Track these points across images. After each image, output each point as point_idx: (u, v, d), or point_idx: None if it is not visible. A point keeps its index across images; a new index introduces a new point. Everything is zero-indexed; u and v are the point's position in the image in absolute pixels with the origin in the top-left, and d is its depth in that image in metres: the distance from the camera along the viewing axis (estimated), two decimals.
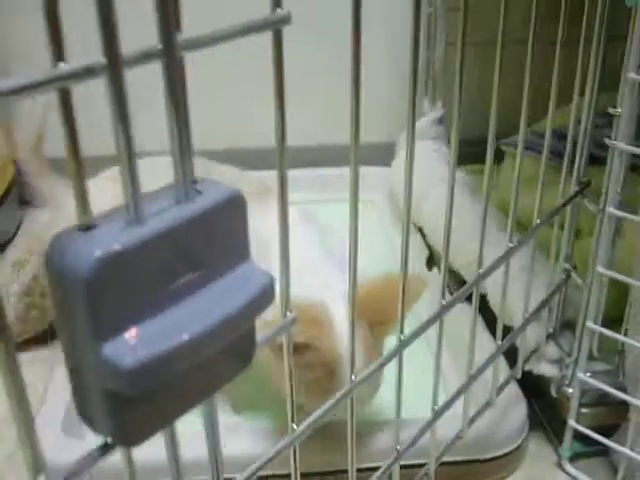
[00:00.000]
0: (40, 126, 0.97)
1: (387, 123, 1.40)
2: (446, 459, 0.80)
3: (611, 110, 0.67)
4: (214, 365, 0.33)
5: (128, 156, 0.28)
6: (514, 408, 0.84)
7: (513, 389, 0.86)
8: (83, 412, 0.31)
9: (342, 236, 0.47)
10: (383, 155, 1.36)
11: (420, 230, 1.17)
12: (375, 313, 0.67)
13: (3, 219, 1.29)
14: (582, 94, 0.71)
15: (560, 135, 0.78)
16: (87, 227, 0.28)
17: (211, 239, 0.31)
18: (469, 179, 1.22)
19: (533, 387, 0.89)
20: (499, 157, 1.32)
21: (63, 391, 0.87)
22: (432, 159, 1.26)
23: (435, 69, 1.31)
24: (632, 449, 0.76)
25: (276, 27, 0.34)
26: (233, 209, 0.32)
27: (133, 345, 0.29)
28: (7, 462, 0.87)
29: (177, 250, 0.30)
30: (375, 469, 0.58)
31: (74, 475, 0.32)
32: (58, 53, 0.26)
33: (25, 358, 1.04)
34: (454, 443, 0.69)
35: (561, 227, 0.79)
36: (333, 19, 1.34)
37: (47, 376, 0.97)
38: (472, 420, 0.69)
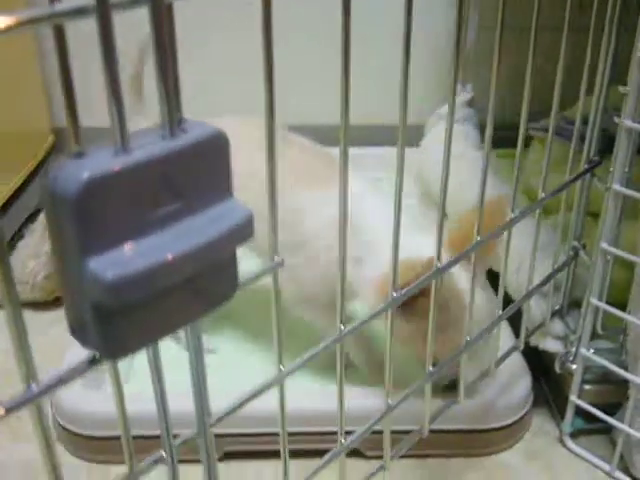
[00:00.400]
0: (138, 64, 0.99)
1: (415, 105, 1.42)
2: (449, 427, 0.83)
3: (621, 88, 0.68)
4: (196, 292, 0.36)
5: (113, 91, 0.31)
6: (518, 381, 0.86)
7: (519, 363, 0.88)
8: (74, 327, 0.35)
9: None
10: (413, 136, 1.38)
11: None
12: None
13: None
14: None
15: (586, 121, 0.78)
16: (79, 155, 0.32)
17: (194, 173, 0.34)
18: (496, 162, 1.23)
19: (541, 364, 0.91)
20: (526, 142, 1.33)
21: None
22: (460, 141, 1.28)
23: (466, 52, 1.32)
24: (630, 425, 0.78)
25: None
26: (216, 147, 0.35)
27: (115, 261, 0.32)
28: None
29: (161, 180, 0.33)
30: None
31: (62, 382, 0.35)
32: None
33: (54, 316, 1.09)
34: (448, 407, 0.71)
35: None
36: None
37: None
38: (469, 388, 0.71)
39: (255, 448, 0.83)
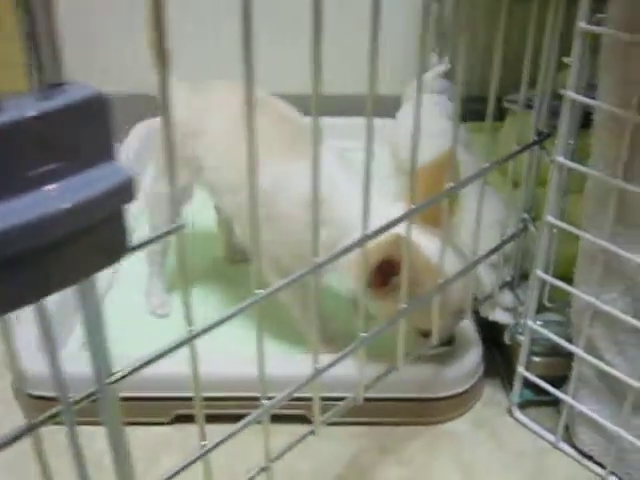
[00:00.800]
0: None
1: (393, 75, 1.41)
2: (398, 395, 0.85)
3: (565, 59, 0.68)
4: (79, 253, 0.37)
5: None
6: (469, 351, 0.87)
7: (471, 333, 0.89)
8: None
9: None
10: (389, 107, 1.37)
11: None
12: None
13: None
14: None
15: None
16: None
17: (71, 134, 0.35)
18: (467, 136, 1.23)
19: (495, 335, 0.92)
20: (501, 115, 1.33)
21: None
22: (434, 113, 1.27)
23: (445, 24, 1.32)
24: (574, 398, 0.79)
25: None
26: (96, 109, 0.35)
27: None
28: None
29: (37, 140, 0.33)
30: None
31: None
32: None
33: None
34: (386, 375, 0.72)
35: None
36: None
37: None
38: (408, 355, 0.72)
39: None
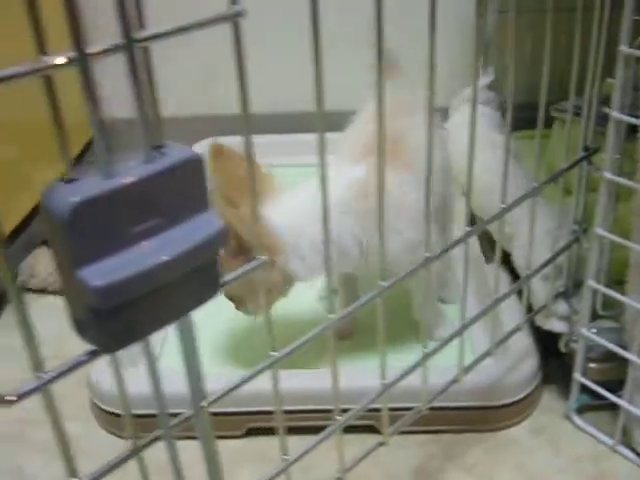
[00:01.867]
0: None
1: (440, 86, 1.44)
2: (456, 404, 0.88)
3: (609, 80, 0.71)
4: (181, 292, 0.42)
5: (99, 124, 0.36)
6: (526, 359, 0.90)
7: (526, 342, 0.92)
8: (75, 325, 0.41)
9: None
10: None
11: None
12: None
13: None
14: None
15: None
16: (70, 180, 0.37)
17: (172, 192, 0.40)
18: (516, 144, 1.26)
19: (550, 344, 0.95)
20: (549, 123, 1.35)
21: None
22: (480, 123, 1.30)
23: (487, 36, 1.34)
24: (630, 402, 0.81)
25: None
26: (192, 168, 0.40)
27: (102, 271, 0.37)
28: None
29: (141, 199, 0.38)
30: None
31: (64, 373, 0.41)
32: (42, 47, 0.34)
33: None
34: (449, 387, 0.75)
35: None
36: None
37: None
38: (469, 367, 0.76)
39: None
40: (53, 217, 0.36)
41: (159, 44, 0.38)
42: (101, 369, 0.93)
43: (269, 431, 0.89)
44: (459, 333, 0.71)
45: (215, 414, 0.86)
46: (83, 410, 0.96)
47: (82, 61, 0.35)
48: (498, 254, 0.73)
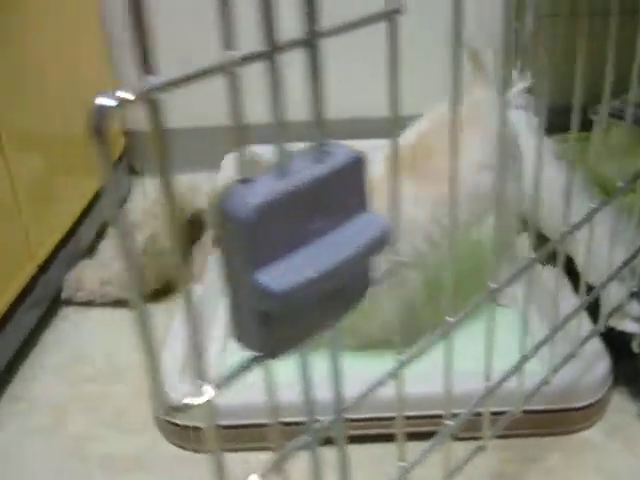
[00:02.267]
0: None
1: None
2: (531, 408, 0.87)
3: None
4: (339, 294, 0.41)
5: (281, 125, 0.35)
6: (598, 362, 0.89)
7: (597, 345, 0.91)
8: (237, 332, 0.39)
9: None
10: None
11: None
12: None
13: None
14: None
15: None
16: (246, 181, 0.36)
17: (338, 191, 0.39)
18: (557, 148, 1.25)
19: (622, 345, 0.94)
20: (589, 126, 1.35)
21: (180, 343, 0.97)
22: (520, 128, 1.30)
23: (524, 40, 1.34)
24: None
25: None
26: (356, 168, 0.39)
27: (280, 274, 0.36)
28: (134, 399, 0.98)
29: (311, 200, 0.38)
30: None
31: (227, 381, 0.40)
32: (228, 42, 0.33)
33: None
34: (539, 388, 0.74)
35: None
36: None
37: (167, 327, 1.08)
38: (556, 369, 0.75)
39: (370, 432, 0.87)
40: (232, 219, 0.35)
41: None
42: (167, 375, 0.91)
43: (367, 438, 0.87)
44: (551, 336, 0.70)
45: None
46: (145, 424, 0.94)
47: (271, 55, 0.34)
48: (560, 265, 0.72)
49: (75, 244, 1.20)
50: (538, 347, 0.69)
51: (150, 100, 0.31)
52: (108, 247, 1.19)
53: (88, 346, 1.09)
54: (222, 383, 0.39)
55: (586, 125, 1.39)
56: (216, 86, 0.35)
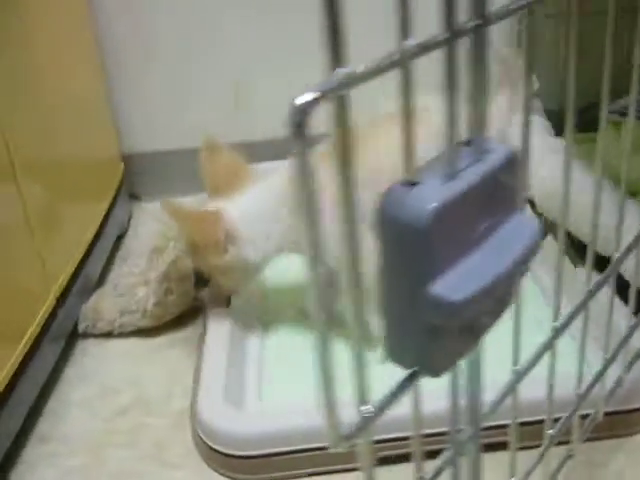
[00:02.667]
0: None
1: None
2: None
3: None
4: (497, 304, 0.38)
5: (451, 123, 0.32)
6: None
7: None
8: (394, 351, 0.36)
9: None
10: None
11: (529, 200, 1.20)
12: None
13: (119, 212, 1.36)
14: None
15: None
16: (412, 183, 0.33)
17: (498, 191, 0.36)
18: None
19: None
20: (596, 125, 1.34)
21: (218, 367, 0.93)
22: (535, 130, 1.29)
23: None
24: None
25: None
26: (513, 165, 0.37)
27: (454, 283, 0.33)
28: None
29: (478, 201, 0.35)
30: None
31: (388, 402, 0.37)
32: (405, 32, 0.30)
33: (165, 340, 1.11)
34: (615, 390, 0.73)
35: None
36: None
37: (189, 355, 1.04)
38: (628, 369, 0.73)
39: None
40: (403, 226, 0.32)
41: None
42: (210, 406, 0.87)
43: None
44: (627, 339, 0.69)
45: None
46: (186, 455, 0.90)
47: (450, 41, 0.31)
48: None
49: (88, 273, 1.15)
50: (618, 350, 0.67)
51: (339, 96, 0.28)
52: (122, 275, 1.14)
53: (113, 378, 1.04)
54: (384, 405, 0.36)
55: (592, 124, 1.40)
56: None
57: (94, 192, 1.26)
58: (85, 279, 1.13)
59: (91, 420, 0.97)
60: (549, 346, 0.54)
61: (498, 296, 0.37)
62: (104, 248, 1.25)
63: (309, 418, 0.81)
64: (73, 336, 1.10)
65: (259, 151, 1.14)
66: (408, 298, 0.34)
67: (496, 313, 0.39)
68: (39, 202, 1.01)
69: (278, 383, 0.96)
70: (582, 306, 0.60)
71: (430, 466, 0.43)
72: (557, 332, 0.55)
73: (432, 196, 0.32)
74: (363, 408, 0.35)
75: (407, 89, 0.31)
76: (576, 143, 1.35)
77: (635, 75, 0.64)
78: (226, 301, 1.06)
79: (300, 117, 0.26)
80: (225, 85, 1.45)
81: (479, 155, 0.35)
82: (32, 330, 0.94)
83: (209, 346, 0.98)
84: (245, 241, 0.96)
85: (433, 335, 0.35)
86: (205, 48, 1.42)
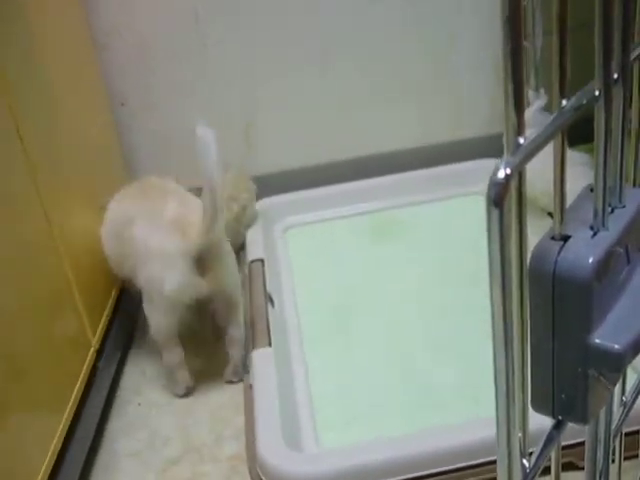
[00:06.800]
0: None
1: (487, 115, 1.47)
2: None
3: None
4: None
5: (603, 176, 0.33)
6: None
7: None
8: (542, 402, 0.36)
9: None
10: (487, 147, 1.41)
11: (550, 214, 1.21)
12: None
13: None
14: None
15: None
16: (564, 237, 0.34)
17: (635, 234, 0.37)
18: (588, 157, 1.27)
19: None
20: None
21: (271, 408, 0.92)
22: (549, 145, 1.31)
23: (536, 58, 1.36)
24: None
25: None
26: None
27: (613, 330, 0.34)
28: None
29: (623, 247, 0.35)
30: None
31: (541, 459, 0.37)
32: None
33: (203, 384, 1.10)
34: None
35: None
36: None
37: (232, 396, 1.03)
38: None
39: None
40: (564, 280, 0.33)
41: None
42: (270, 448, 0.86)
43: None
44: None
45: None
46: None
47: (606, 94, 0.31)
48: None
49: (120, 321, 1.14)
50: None
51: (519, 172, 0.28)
52: None
53: (159, 427, 1.03)
54: (539, 460, 0.36)
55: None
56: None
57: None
58: (118, 328, 1.12)
59: (145, 471, 0.95)
60: None
61: None
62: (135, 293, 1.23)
63: (375, 454, 0.81)
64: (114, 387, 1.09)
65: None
66: (566, 350, 0.34)
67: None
68: (76, 245, 0.99)
69: (333, 422, 0.96)
70: None
71: None
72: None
73: (588, 250, 0.33)
74: (525, 461, 0.35)
75: (562, 147, 0.31)
76: (589, 152, 1.37)
77: None
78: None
79: (498, 190, 0.27)
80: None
81: (617, 202, 0.36)
82: (80, 384, 0.93)
83: (259, 388, 0.97)
84: None
85: (587, 383, 0.35)
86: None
